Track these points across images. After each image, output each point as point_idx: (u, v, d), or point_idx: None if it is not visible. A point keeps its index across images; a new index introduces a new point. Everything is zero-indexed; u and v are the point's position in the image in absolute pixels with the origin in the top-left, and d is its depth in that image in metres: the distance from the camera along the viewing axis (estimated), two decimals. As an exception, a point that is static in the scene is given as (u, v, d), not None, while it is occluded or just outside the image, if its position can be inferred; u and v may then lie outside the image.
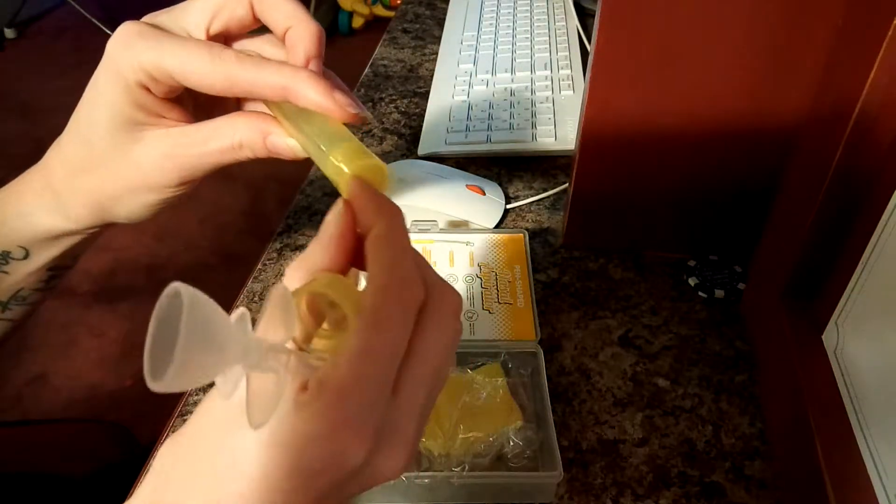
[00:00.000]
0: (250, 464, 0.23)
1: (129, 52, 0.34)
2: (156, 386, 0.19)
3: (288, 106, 0.34)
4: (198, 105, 0.40)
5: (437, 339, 0.26)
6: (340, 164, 0.30)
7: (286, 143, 0.35)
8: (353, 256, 0.28)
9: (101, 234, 0.44)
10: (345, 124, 0.33)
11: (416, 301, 0.26)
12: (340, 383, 0.23)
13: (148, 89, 0.35)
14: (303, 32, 0.35)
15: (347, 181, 0.29)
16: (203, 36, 0.36)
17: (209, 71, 0.33)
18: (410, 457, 0.26)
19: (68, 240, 0.42)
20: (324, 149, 0.31)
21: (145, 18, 0.35)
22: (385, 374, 0.24)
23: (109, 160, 0.37)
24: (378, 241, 0.27)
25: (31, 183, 0.41)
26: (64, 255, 0.43)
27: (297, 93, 0.33)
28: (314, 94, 0.32)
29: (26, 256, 0.42)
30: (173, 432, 0.46)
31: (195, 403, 0.48)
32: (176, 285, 0.20)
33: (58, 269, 0.44)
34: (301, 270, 0.27)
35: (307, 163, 0.42)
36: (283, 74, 0.33)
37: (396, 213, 0.28)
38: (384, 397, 0.24)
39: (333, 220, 0.28)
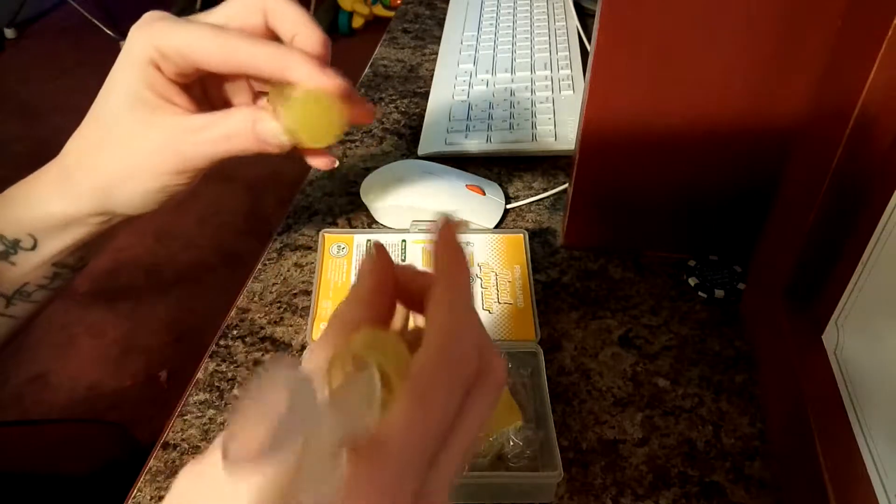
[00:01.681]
0: None
1: (145, 31, 0.37)
2: (234, 470, 0.19)
3: (289, 93, 0.37)
4: (208, 98, 0.42)
5: (480, 412, 0.25)
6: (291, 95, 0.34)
7: (271, 127, 0.37)
8: (393, 306, 0.28)
9: (107, 236, 0.44)
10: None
11: (468, 378, 0.25)
12: (380, 453, 0.22)
13: (159, 68, 0.37)
14: (308, 38, 0.38)
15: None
16: None
17: (213, 45, 0.36)
18: None
19: (73, 230, 0.42)
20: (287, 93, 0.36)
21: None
22: (427, 450, 0.23)
23: (115, 140, 0.38)
24: (439, 306, 0.25)
25: (47, 169, 0.42)
26: (69, 250, 0.43)
27: (291, 66, 0.35)
28: (307, 67, 0.35)
29: (34, 246, 0.42)
30: (173, 432, 0.46)
31: (195, 404, 0.48)
32: (285, 361, 0.20)
33: (62, 268, 0.44)
34: (339, 325, 0.26)
35: (307, 162, 0.42)
36: (279, 49, 0.36)
37: (464, 273, 0.26)
38: (423, 471, 0.23)
39: (370, 270, 0.27)
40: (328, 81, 0.36)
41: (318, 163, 0.42)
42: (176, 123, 0.38)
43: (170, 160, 0.38)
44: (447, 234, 0.27)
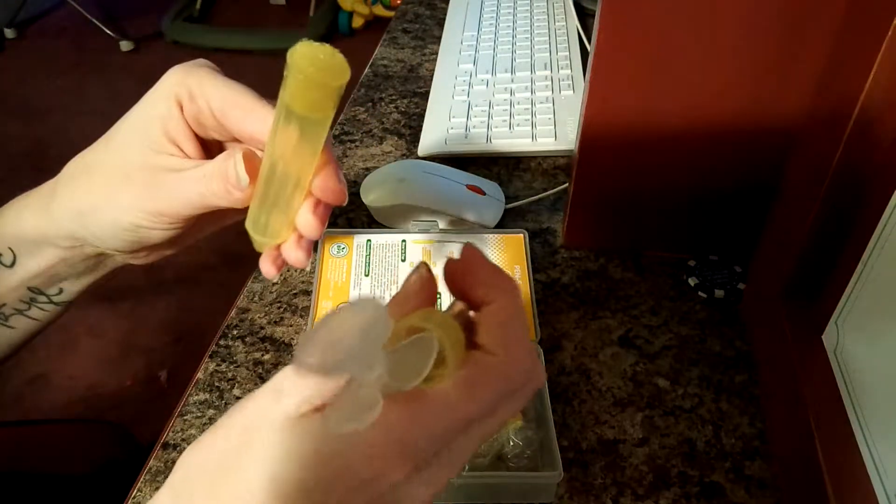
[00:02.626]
0: (281, 461, 0.23)
1: (184, 69, 0.36)
2: (301, 364, 0.22)
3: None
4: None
5: (506, 412, 0.27)
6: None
7: (236, 168, 0.35)
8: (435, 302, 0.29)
9: (87, 274, 0.43)
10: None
11: (518, 386, 0.27)
12: (416, 413, 0.24)
13: (181, 108, 0.36)
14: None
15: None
16: None
17: (250, 111, 0.35)
18: (432, 497, 0.26)
19: (46, 251, 0.41)
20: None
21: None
22: (456, 431, 0.25)
23: (106, 168, 0.37)
24: (498, 316, 0.27)
25: (46, 183, 0.41)
26: (44, 273, 0.42)
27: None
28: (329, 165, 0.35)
29: (13, 263, 0.41)
30: (173, 432, 0.46)
31: (195, 404, 0.48)
32: (375, 301, 0.23)
33: (38, 293, 0.43)
34: (394, 308, 0.28)
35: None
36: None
37: (516, 290, 0.28)
38: (439, 449, 0.25)
39: (418, 283, 0.28)
40: (341, 194, 0.36)
41: (266, 267, 0.39)
42: (165, 163, 0.37)
43: (146, 196, 0.37)
44: (477, 259, 0.29)
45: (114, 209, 0.37)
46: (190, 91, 0.36)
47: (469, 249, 0.29)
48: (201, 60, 0.37)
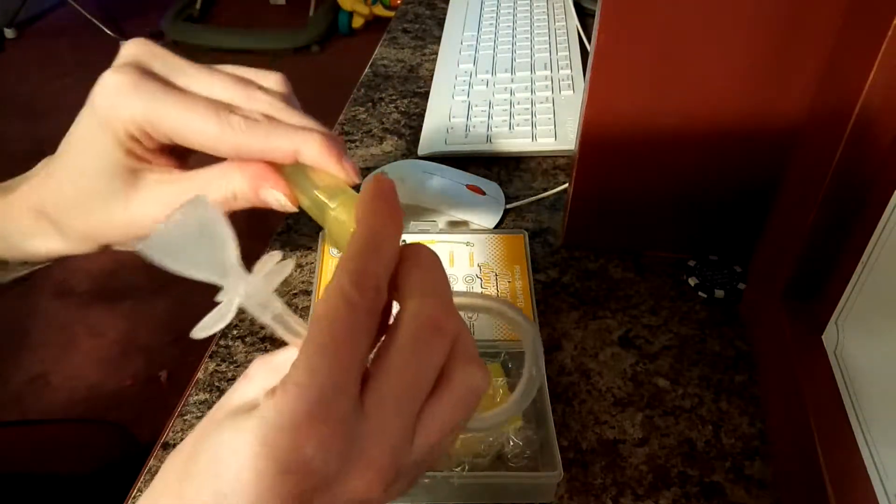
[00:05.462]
0: (228, 458, 0.23)
1: (122, 104, 0.32)
2: (141, 245, 0.24)
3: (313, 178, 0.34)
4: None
5: (408, 356, 0.25)
6: (337, 212, 0.31)
7: (276, 198, 0.34)
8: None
9: None
10: None
11: (364, 304, 0.25)
12: (296, 377, 0.24)
13: (140, 142, 0.34)
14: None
15: (339, 225, 0.31)
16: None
17: (215, 138, 0.32)
18: (379, 482, 0.24)
19: (69, 254, 0.41)
20: (324, 199, 0.32)
21: (140, 55, 0.34)
22: (335, 370, 0.24)
23: (107, 207, 0.36)
24: (349, 248, 0.27)
25: (23, 207, 0.39)
26: (58, 258, 0.42)
27: (307, 156, 0.32)
28: (325, 159, 0.32)
29: (25, 264, 0.42)
30: (173, 432, 0.46)
31: (195, 404, 0.48)
32: (203, 197, 0.25)
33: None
34: None
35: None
36: (293, 141, 0.32)
37: (387, 224, 0.27)
38: (343, 398, 0.24)
39: None
40: (344, 176, 0.32)
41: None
42: (169, 190, 0.35)
43: (165, 210, 0.35)
44: (379, 190, 0.28)
45: (145, 229, 0.36)
46: (144, 132, 0.33)
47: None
48: (124, 80, 0.32)
